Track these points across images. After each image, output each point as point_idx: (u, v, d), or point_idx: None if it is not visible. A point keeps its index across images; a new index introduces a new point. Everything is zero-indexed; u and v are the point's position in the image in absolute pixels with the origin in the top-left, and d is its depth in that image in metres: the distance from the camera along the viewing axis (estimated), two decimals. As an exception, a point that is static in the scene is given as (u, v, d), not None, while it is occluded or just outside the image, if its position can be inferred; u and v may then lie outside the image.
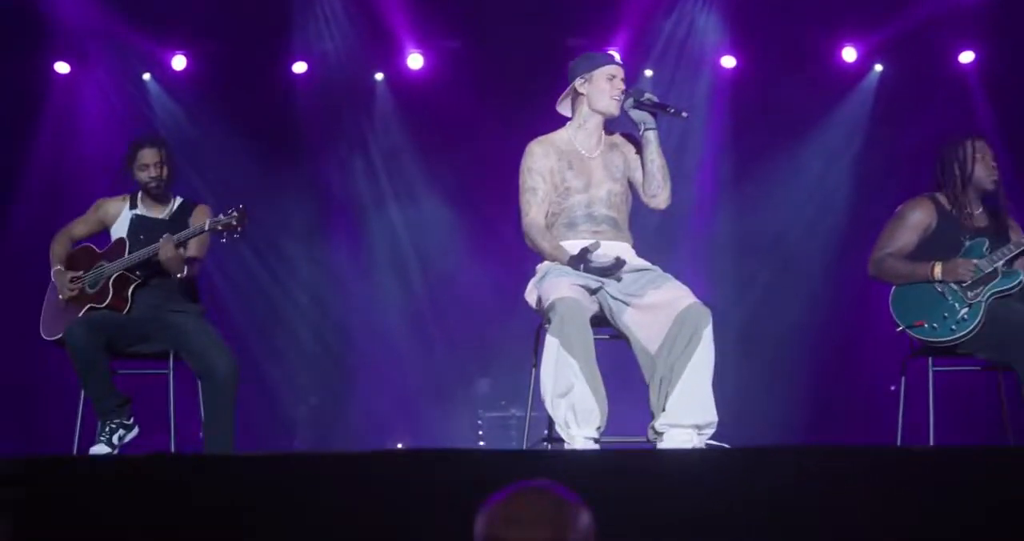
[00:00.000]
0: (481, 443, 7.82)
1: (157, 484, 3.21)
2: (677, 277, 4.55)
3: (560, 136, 4.66)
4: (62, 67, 8.29)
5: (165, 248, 4.91)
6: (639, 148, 4.62)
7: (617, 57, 4.69)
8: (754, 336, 8.17)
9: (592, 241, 4.32)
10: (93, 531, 3.13)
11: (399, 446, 8.16)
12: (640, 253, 4.70)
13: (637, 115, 4.54)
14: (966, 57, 8.20)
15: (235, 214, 4.87)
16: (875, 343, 7.27)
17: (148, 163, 5.18)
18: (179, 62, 8.35)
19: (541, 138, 4.67)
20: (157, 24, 8.16)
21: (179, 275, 5.00)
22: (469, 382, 8.27)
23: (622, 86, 4.57)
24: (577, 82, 4.61)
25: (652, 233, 7.82)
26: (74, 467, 3.47)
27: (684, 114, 4.53)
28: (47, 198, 8.20)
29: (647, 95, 4.53)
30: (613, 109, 4.57)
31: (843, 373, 8.03)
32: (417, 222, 8.65)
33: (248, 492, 3.25)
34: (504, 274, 7.36)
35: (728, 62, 8.36)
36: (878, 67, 8.34)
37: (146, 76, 8.46)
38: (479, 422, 7.89)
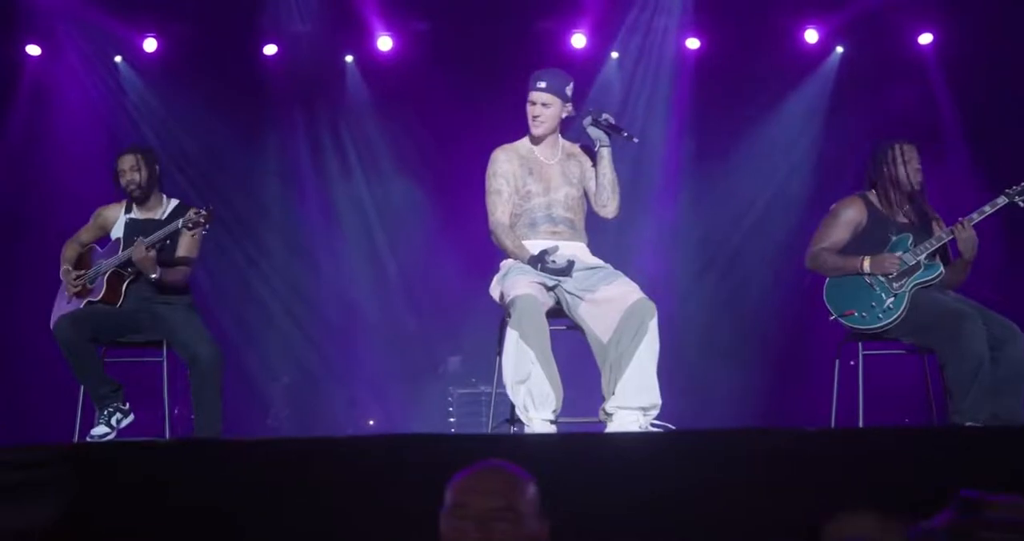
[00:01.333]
0: (451, 420, 8.40)
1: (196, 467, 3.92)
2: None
3: (522, 144, 5.31)
4: (34, 49, 8.73)
5: (137, 250, 5.53)
6: (595, 161, 5.28)
7: (541, 83, 5.25)
8: (717, 313, 8.80)
9: (552, 244, 5.00)
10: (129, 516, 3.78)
11: (370, 423, 8.75)
12: (597, 249, 5.38)
13: (594, 132, 5.20)
14: (925, 39, 8.75)
15: (204, 213, 5.48)
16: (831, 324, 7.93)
17: (125, 168, 5.81)
18: (150, 44, 8.79)
19: (505, 146, 5.31)
20: (128, 6, 8.59)
21: (152, 276, 5.59)
22: (440, 360, 8.81)
23: (539, 111, 5.20)
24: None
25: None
26: (115, 452, 4.13)
27: (635, 139, 5.20)
28: (20, 178, 8.74)
29: (604, 116, 5.18)
30: (533, 131, 5.26)
31: (801, 352, 8.48)
32: (388, 202, 9.18)
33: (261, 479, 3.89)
34: (474, 254, 7.74)
35: (692, 44, 8.91)
36: (839, 49, 8.89)
37: (118, 58, 8.91)
38: (449, 399, 8.43)
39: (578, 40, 8.88)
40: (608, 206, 5.30)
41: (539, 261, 4.95)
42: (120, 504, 3.77)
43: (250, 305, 9.07)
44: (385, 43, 8.93)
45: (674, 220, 9.05)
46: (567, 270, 4.93)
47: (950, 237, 5.39)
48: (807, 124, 9.00)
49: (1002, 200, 5.37)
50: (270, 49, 8.95)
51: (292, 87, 9.05)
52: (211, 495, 3.81)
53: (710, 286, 8.96)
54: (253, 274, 9.10)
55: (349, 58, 9.14)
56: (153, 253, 5.58)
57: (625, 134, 5.19)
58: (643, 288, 5.04)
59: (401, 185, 9.19)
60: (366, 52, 9.06)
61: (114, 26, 8.80)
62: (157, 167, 5.88)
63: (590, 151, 5.34)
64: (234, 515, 3.77)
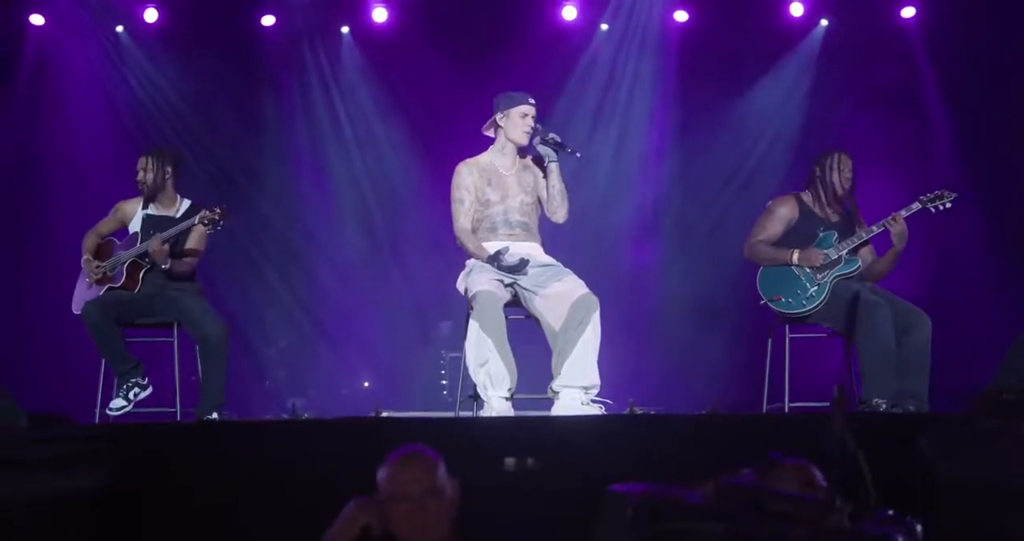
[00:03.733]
0: (443, 382, 9.67)
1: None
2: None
3: (483, 158, 6.60)
4: (37, 19, 9.80)
5: (153, 242, 6.85)
6: (545, 173, 6.55)
7: (532, 99, 6.53)
8: (702, 280, 9.84)
9: (504, 245, 6.29)
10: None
11: (366, 384, 10.05)
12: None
13: (543, 150, 6.47)
14: (908, 12, 9.77)
15: (218, 211, 6.85)
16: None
17: (139, 168, 7.14)
18: (151, 15, 9.87)
19: (468, 160, 6.60)
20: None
21: (164, 266, 6.91)
22: (432, 324, 10.02)
23: (532, 122, 6.46)
24: (498, 116, 6.53)
25: (603, 181, 9.72)
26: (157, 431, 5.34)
27: (578, 154, 6.49)
28: (24, 148, 9.85)
29: (551, 135, 6.45)
30: (523, 140, 6.50)
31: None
32: (381, 171, 10.30)
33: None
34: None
35: (680, 16, 9.96)
36: (823, 22, 9.93)
37: (119, 28, 9.98)
38: (442, 362, 9.70)
39: (569, 12, 9.96)
40: (558, 213, 6.60)
41: (495, 260, 6.24)
42: (142, 479, 4.73)
43: (248, 273, 10.15)
44: (380, 14, 10.01)
45: (660, 189, 10.10)
46: (520, 267, 6.23)
47: (871, 235, 6.70)
48: (791, 96, 10.02)
49: (916, 206, 6.69)
50: (268, 20, 10.02)
51: (289, 57, 10.14)
52: (219, 472, 4.83)
53: (694, 252, 9.98)
54: (249, 242, 10.17)
55: (345, 29, 10.22)
56: (167, 247, 6.90)
57: (569, 150, 6.48)
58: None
59: (394, 154, 10.26)
60: (361, 23, 10.13)
61: (116, -4, 9.78)
62: (170, 168, 7.14)
63: (541, 163, 6.62)
64: (239, 489, 4.77)
